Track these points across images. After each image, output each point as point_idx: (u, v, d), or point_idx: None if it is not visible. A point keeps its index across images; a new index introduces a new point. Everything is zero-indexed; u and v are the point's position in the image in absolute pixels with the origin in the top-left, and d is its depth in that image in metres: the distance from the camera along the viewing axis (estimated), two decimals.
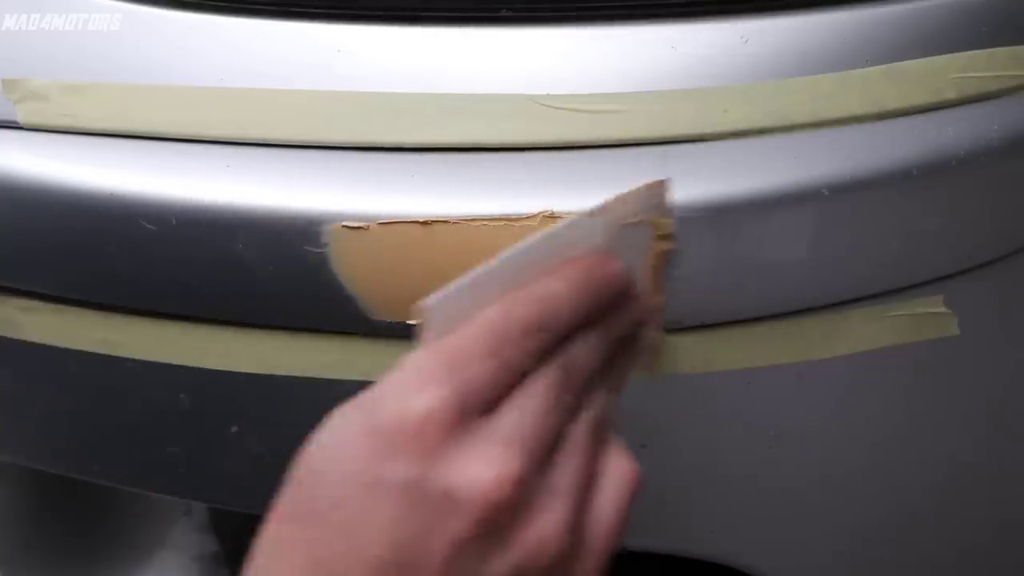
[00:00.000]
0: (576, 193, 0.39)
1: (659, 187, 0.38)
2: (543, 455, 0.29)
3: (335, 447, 0.28)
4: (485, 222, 0.39)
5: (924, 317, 0.44)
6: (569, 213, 0.38)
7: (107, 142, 0.42)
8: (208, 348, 0.44)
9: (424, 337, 0.30)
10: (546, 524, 0.28)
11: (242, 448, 0.46)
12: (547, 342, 0.30)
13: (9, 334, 0.46)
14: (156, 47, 0.43)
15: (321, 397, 0.44)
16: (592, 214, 0.34)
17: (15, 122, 0.43)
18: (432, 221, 0.39)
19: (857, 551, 0.51)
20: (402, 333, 0.42)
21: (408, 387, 0.28)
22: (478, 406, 0.28)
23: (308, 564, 0.27)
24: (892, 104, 0.42)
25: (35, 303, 0.45)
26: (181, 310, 0.43)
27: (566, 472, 0.29)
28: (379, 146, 0.41)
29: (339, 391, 0.43)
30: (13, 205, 0.42)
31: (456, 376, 0.28)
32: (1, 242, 0.43)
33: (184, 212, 0.40)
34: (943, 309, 0.44)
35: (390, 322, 0.41)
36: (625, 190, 0.36)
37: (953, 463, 0.51)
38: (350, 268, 0.40)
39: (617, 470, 0.31)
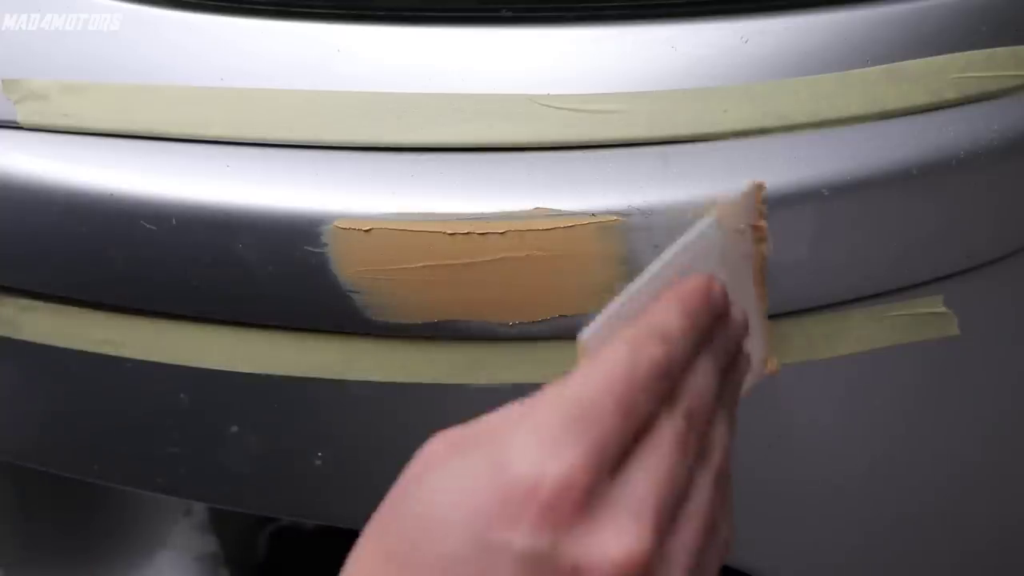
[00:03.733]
0: (577, 193, 0.39)
1: (758, 191, 0.37)
2: (671, 519, 0.28)
3: (453, 494, 0.26)
4: (484, 221, 0.39)
5: (924, 317, 0.44)
6: (563, 211, 0.38)
7: (107, 142, 0.42)
8: (208, 348, 0.44)
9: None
10: None
11: (242, 448, 0.46)
12: (673, 384, 0.29)
13: (9, 334, 0.46)
14: (156, 47, 0.43)
15: (321, 397, 0.44)
16: (709, 221, 0.34)
17: (15, 122, 0.43)
18: (432, 221, 0.39)
19: (859, 551, 0.51)
20: (402, 333, 0.42)
21: (542, 445, 0.26)
22: (610, 466, 0.27)
23: None
24: (892, 104, 0.42)
25: (35, 303, 0.45)
26: (181, 310, 0.43)
27: (686, 539, 0.28)
28: (379, 146, 0.41)
29: (339, 391, 0.43)
30: (13, 205, 0.42)
31: (590, 434, 0.26)
32: (1, 242, 0.43)
33: (184, 212, 0.40)
34: (943, 309, 0.44)
35: (390, 322, 0.41)
36: (728, 194, 0.36)
37: (955, 464, 0.51)
38: (350, 268, 0.40)
39: (724, 534, 0.31)
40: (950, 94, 0.42)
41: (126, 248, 0.41)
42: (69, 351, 0.46)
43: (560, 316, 0.40)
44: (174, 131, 0.42)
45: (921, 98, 0.42)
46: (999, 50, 0.43)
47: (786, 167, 0.40)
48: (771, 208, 0.39)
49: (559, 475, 0.26)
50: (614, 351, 0.29)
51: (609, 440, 0.27)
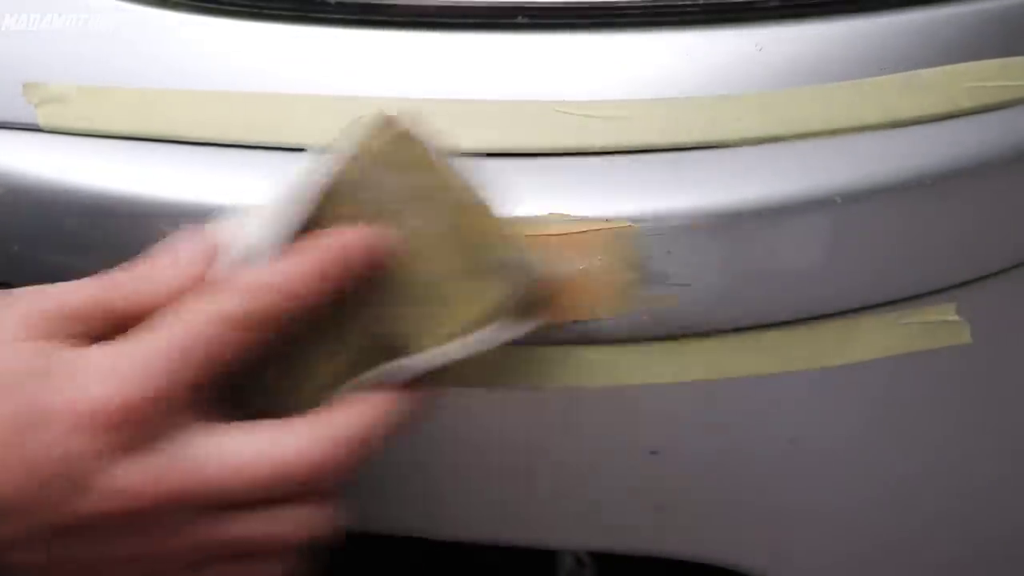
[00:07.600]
0: (591, 198, 0.39)
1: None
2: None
3: None
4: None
5: (936, 325, 0.44)
6: (577, 216, 0.39)
7: (126, 145, 0.42)
8: None
9: None
10: None
11: None
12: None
13: None
14: (155, 48, 0.43)
15: None
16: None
17: (35, 125, 0.43)
18: None
19: (870, 558, 0.51)
20: None
21: (91, 374, 0.29)
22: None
23: None
24: (906, 113, 0.42)
25: None
26: None
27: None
28: None
29: None
30: (31, 208, 0.42)
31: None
32: (19, 245, 0.44)
33: (203, 217, 0.40)
34: (955, 317, 0.44)
35: None
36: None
37: (961, 471, 0.51)
38: None
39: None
40: (965, 103, 0.42)
41: (144, 253, 0.42)
42: None
43: (573, 321, 0.40)
44: (194, 135, 0.42)
45: (936, 107, 0.42)
46: (1013, 59, 0.43)
47: (800, 175, 0.40)
48: (785, 216, 0.40)
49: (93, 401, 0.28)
50: (202, 308, 0.31)
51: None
